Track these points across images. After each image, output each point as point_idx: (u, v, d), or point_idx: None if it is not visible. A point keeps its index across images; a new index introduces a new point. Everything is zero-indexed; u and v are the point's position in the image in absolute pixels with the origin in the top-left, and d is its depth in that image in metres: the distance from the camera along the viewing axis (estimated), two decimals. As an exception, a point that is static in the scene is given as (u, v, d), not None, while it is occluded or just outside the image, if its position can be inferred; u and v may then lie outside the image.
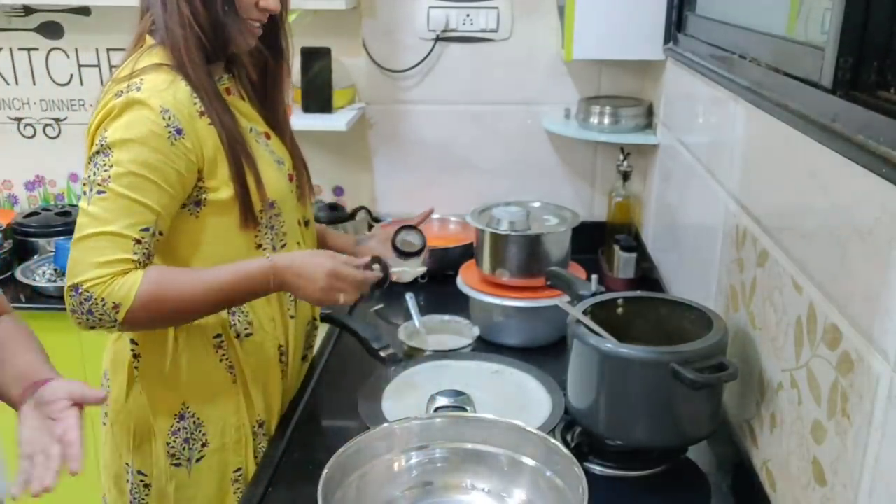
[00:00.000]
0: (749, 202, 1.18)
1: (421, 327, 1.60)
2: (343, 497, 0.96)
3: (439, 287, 1.84)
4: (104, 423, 1.35)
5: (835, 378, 0.84)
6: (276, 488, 1.19)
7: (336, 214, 2.18)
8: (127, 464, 1.32)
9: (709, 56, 1.42)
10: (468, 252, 1.82)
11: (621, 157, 2.01)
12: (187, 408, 1.28)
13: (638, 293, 1.32)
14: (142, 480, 1.31)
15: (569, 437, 1.24)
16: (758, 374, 1.10)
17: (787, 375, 0.99)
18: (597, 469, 1.18)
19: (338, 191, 2.31)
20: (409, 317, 1.65)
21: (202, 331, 1.27)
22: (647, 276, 1.87)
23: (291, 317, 1.37)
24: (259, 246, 1.27)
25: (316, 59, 2.06)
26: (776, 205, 1.06)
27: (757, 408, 1.11)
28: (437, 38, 2.11)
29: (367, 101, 2.19)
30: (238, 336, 1.29)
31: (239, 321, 1.29)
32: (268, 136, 1.33)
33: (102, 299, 1.11)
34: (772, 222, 1.08)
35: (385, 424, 1.06)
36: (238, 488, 1.32)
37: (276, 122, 1.37)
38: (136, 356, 1.28)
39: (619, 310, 1.26)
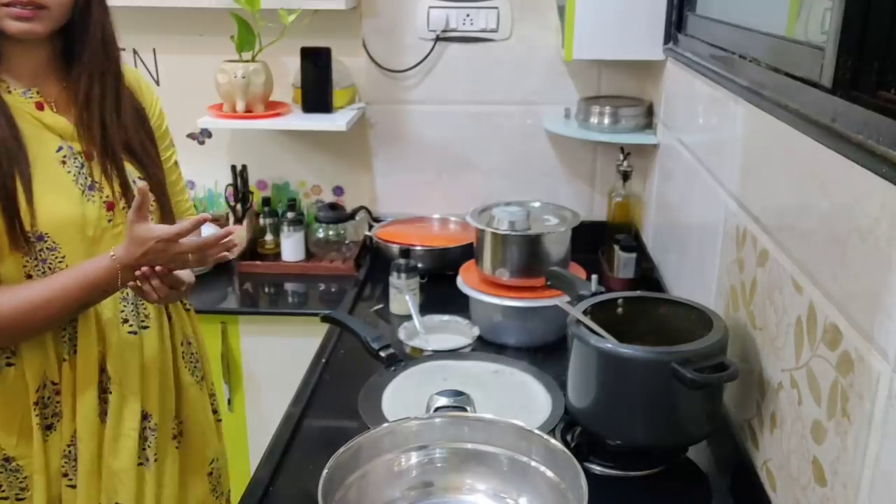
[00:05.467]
0: (749, 202, 1.18)
1: (421, 327, 1.60)
2: (343, 497, 0.96)
3: (439, 287, 1.84)
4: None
5: (835, 378, 0.84)
6: (276, 488, 1.19)
7: (336, 214, 2.19)
8: None
9: (709, 56, 1.42)
10: (468, 252, 1.82)
11: (621, 157, 2.01)
12: None
13: (638, 293, 1.32)
14: None
15: (569, 437, 1.24)
16: (758, 374, 1.10)
17: (787, 375, 0.99)
18: (597, 469, 1.18)
19: (338, 191, 2.31)
20: (409, 317, 1.65)
21: None
22: (647, 276, 1.86)
23: (63, 359, 1.25)
24: (28, 276, 1.17)
25: (316, 59, 2.06)
26: (776, 205, 1.06)
27: (757, 408, 1.11)
28: (437, 38, 2.11)
29: (367, 101, 2.19)
30: None
31: None
32: (88, 157, 1.21)
33: None
34: (772, 222, 1.08)
35: (385, 424, 1.06)
36: None
37: (93, 139, 1.21)
38: None
39: (619, 310, 1.26)
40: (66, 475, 1.28)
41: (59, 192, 1.17)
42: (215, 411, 1.49)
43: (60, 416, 1.25)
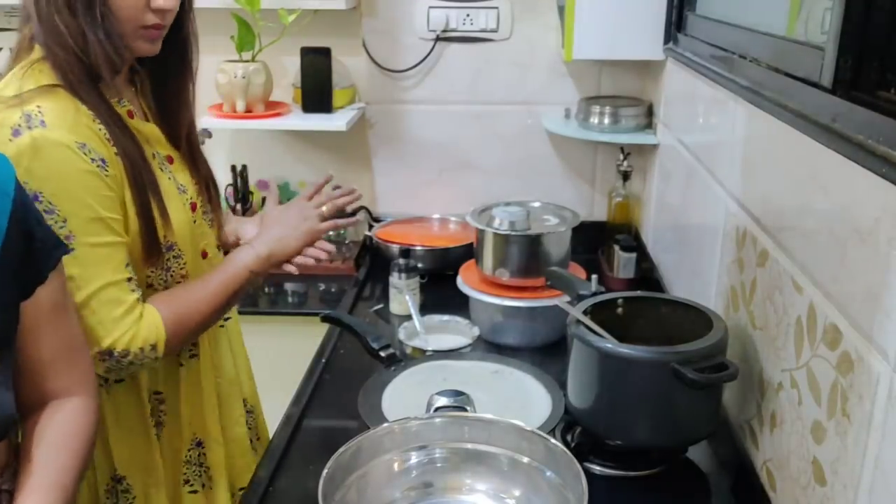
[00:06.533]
0: (749, 202, 1.18)
1: (421, 327, 1.60)
2: (343, 497, 0.96)
3: (439, 287, 1.84)
4: None
5: (835, 378, 0.84)
6: (276, 488, 1.19)
7: (336, 214, 2.18)
8: None
9: (709, 56, 1.42)
10: (468, 252, 1.82)
11: (621, 157, 2.01)
12: None
13: (638, 293, 1.32)
14: None
15: (569, 437, 1.24)
16: (758, 374, 1.10)
17: (787, 375, 0.99)
18: (597, 469, 1.18)
19: (338, 191, 2.30)
20: (409, 317, 1.65)
21: None
22: (647, 276, 1.86)
23: (180, 364, 1.27)
24: (150, 286, 1.17)
25: (316, 59, 2.06)
26: (776, 205, 1.06)
27: (757, 408, 1.11)
28: (437, 38, 2.11)
29: (367, 101, 2.19)
30: (106, 382, 1.18)
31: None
32: (170, 160, 1.21)
33: (140, 348, 1.09)
34: (772, 222, 1.08)
35: (385, 424, 1.06)
36: None
37: (180, 141, 1.24)
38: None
39: (619, 310, 1.26)
40: (187, 482, 1.28)
41: (172, 198, 1.17)
42: None
43: (164, 425, 1.25)
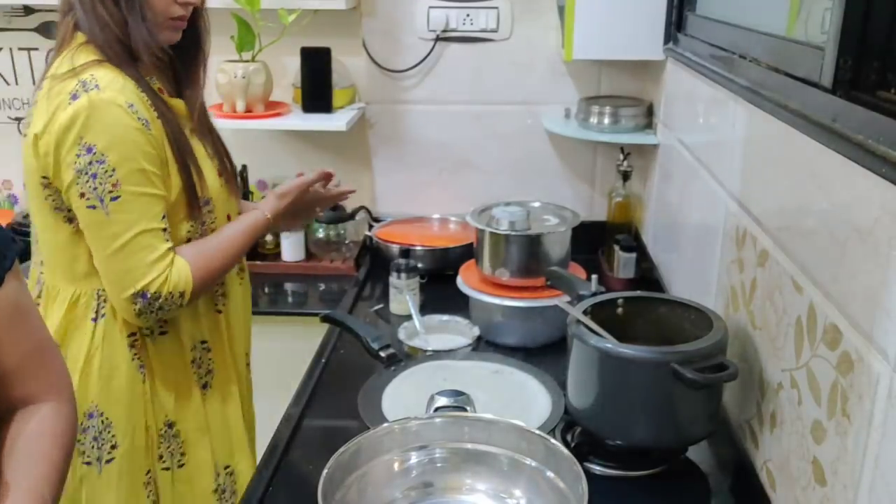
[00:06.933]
0: (749, 202, 1.18)
1: (421, 327, 1.60)
2: (343, 497, 0.96)
3: (439, 287, 1.84)
4: None
5: (835, 378, 0.84)
6: (276, 488, 1.19)
7: (336, 214, 2.19)
8: None
9: (709, 56, 1.42)
10: (468, 252, 1.82)
11: (621, 157, 2.01)
12: (96, 406, 1.29)
13: (638, 293, 1.32)
14: None
15: (569, 437, 1.24)
16: (758, 374, 1.10)
17: (787, 375, 0.99)
18: (597, 469, 1.18)
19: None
20: (409, 317, 1.65)
21: (118, 330, 1.29)
22: (647, 276, 1.86)
23: (218, 311, 1.41)
24: (188, 241, 1.30)
25: (316, 59, 2.06)
26: (776, 205, 1.06)
27: (757, 408, 1.11)
28: (437, 38, 2.11)
29: (367, 101, 2.19)
30: (151, 334, 1.31)
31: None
32: (193, 132, 1.35)
33: (170, 293, 1.23)
34: (772, 222, 1.08)
35: (385, 424, 1.06)
36: (151, 491, 1.34)
37: (198, 118, 1.36)
38: None
39: (619, 310, 1.26)
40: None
41: (203, 160, 1.32)
42: None
43: (213, 373, 1.40)
